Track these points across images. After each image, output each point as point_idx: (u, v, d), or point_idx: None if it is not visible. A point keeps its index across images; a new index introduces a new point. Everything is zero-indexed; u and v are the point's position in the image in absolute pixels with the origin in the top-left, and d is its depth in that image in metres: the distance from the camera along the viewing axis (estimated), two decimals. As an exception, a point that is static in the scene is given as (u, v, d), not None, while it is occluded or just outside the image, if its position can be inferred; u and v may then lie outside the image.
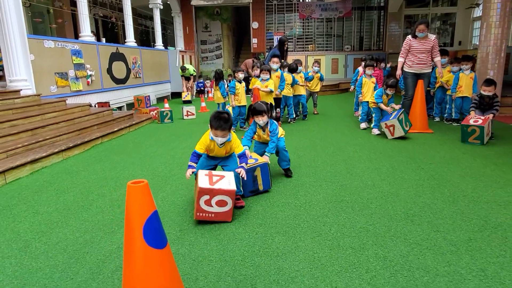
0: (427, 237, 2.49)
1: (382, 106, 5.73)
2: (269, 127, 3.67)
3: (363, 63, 6.80)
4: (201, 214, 2.76)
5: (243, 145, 3.47)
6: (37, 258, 2.41)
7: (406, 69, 6.31)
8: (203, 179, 2.78)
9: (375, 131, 5.95)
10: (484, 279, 2.01)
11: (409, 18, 15.15)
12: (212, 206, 2.73)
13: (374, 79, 6.46)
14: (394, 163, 4.23)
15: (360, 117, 6.61)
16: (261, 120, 3.56)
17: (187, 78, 11.79)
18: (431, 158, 4.39)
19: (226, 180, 2.79)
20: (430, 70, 6.30)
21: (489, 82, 5.13)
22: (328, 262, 2.23)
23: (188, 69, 11.46)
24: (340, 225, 2.72)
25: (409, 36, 6.21)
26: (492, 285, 1.95)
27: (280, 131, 3.83)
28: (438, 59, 6.17)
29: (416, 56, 6.14)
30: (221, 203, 2.73)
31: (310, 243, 2.47)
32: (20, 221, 3.01)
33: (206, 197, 2.69)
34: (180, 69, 11.53)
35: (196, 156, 3.07)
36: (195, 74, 11.93)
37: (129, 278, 1.27)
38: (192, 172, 3.01)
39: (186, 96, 11.17)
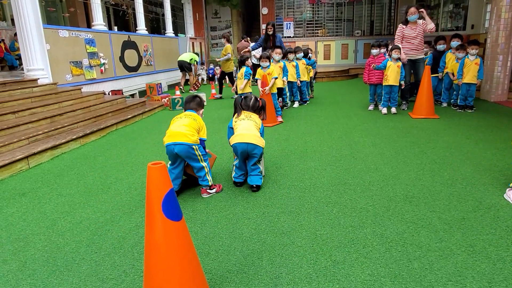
0: (423, 216, 2.66)
1: None
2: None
3: (373, 50, 6.80)
4: None
5: None
6: (64, 235, 2.66)
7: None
8: None
9: (384, 110, 6.35)
10: (472, 253, 2.17)
11: (421, 1, 14.91)
12: None
13: (400, 63, 6.25)
14: (398, 148, 4.37)
15: (382, 103, 6.49)
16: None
17: None
18: (434, 143, 4.51)
19: None
20: (423, 56, 6.65)
21: None
22: (329, 239, 2.42)
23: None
24: (341, 206, 2.90)
25: (401, 24, 6.52)
26: (479, 259, 2.12)
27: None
28: (430, 25, 6.25)
29: (409, 42, 6.44)
30: None
31: (313, 222, 2.66)
32: (46, 202, 3.26)
33: None
34: None
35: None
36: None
37: (151, 246, 1.48)
38: None
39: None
